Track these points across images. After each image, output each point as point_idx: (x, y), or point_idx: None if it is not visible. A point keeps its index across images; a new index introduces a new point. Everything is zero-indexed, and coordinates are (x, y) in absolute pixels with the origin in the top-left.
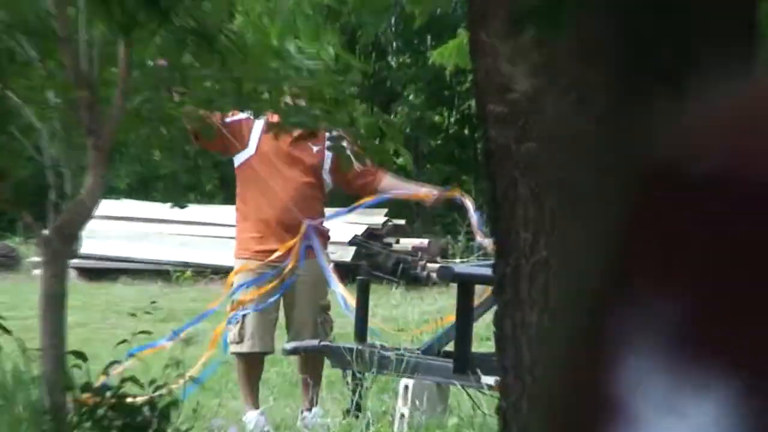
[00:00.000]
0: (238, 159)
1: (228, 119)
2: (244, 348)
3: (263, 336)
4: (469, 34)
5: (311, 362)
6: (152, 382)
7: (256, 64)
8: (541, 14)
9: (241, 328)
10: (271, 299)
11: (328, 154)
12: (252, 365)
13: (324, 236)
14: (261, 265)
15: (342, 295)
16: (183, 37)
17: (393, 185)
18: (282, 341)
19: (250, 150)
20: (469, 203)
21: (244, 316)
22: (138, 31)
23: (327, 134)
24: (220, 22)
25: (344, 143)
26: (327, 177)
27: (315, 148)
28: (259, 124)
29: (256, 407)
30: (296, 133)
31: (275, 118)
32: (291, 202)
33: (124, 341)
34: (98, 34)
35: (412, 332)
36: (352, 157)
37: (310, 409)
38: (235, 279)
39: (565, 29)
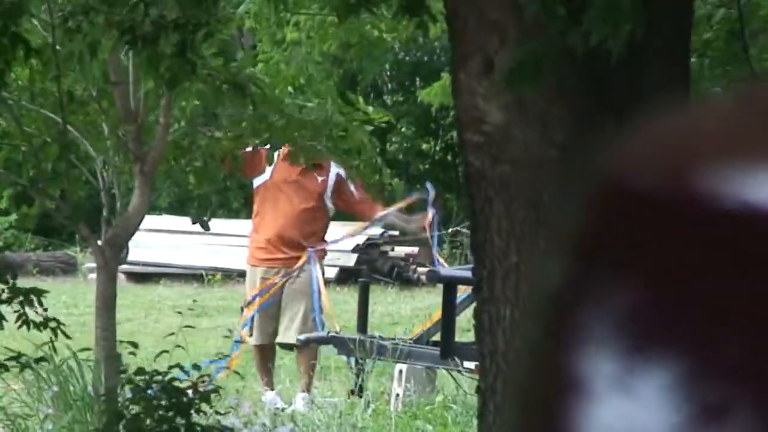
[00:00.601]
0: (256, 182)
1: (249, 149)
2: (255, 341)
3: (266, 330)
4: (451, 76)
5: (307, 354)
6: (196, 367)
7: (276, 104)
8: (522, 76)
9: (252, 326)
10: (271, 301)
11: (330, 183)
12: (263, 354)
13: (322, 252)
14: (266, 271)
15: (319, 312)
16: (219, 87)
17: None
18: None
19: (266, 176)
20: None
21: (252, 317)
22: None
23: (332, 166)
24: (251, 74)
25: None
26: (329, 202)
27: (320, 178)
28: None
29: (272, 388)
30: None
31: (289, 149)
32: (292, 223)
33: (171, 334)
34: (144, 78)
35: (421, 325)
36: (352, 188)
37: (307, 390)
38: (248, 292)
39: (540, 83)
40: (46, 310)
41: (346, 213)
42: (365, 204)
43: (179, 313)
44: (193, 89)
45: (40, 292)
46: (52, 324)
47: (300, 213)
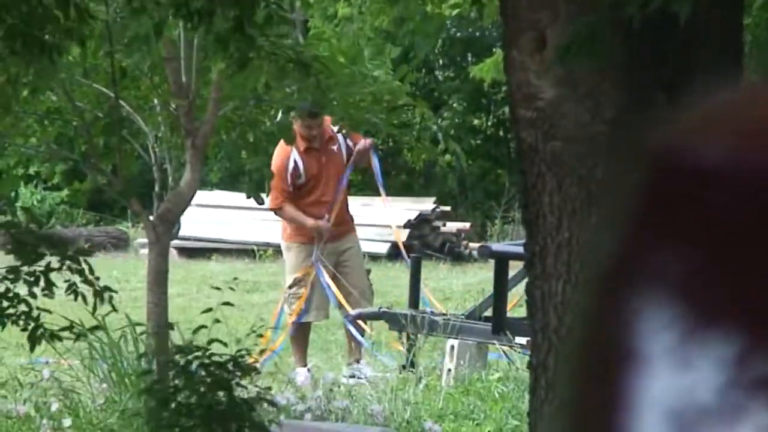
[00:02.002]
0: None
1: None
2: (311, 318)
3: (323, 307)
4: (503, 52)
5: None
6: (237, 341)
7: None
8: (575, 52)
9: (298, 303)
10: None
11: (343, 148)
12: (306, 332)
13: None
14: (311, 248)
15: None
16: (283, 65)
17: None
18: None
19: (302, 179)
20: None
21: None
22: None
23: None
24: (315, 52)
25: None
26: (348, 170)
27: (334, 147)
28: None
29: (304, 365)
30: (319, 146)
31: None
32: (330, 197)
33: (209, 309)
34: (196, 54)
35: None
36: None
37: (358, 361)
38: (293, 271)
39: (594, 59)
40: (98, 278)
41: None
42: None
43: (231, 289)
44: (264, 67)
45: (87, 253)
46: (106, 294)
47: (333, 186)
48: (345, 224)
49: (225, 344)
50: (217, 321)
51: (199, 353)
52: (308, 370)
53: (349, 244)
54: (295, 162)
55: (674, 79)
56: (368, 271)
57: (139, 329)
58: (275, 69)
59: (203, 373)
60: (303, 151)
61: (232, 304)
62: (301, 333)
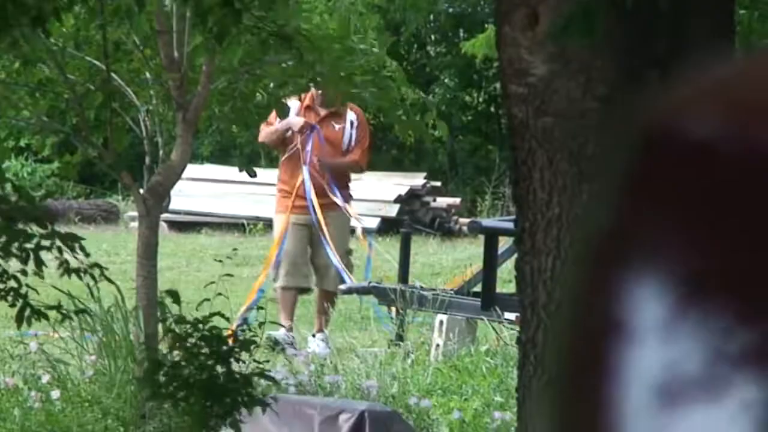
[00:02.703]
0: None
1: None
2: (287, 284)
3: (302, 273)
4: (495, 28)
5: (328, 297)
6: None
7: (322, 51)
8: (572, 31)
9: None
10: (300, 247)
11: (349, 132)
12: (292, 297)
13: (348, 197)
14: (296, 218)
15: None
16: (266, 39)
17: None
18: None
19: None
20: None
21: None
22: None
23: (348, 114)
24: (297, 25)
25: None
26: (350, 146)
27: (337, 126)
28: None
29: (289, 327)
30: (323, 113)
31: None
32: (317, 170)
33: (211, 283)
34: (192, 31)
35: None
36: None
37: (321, 331)
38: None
39: (590, 38)
40: (88, 255)
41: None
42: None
43: (220, 261)
44: (241, 41)
45: (77, 238)
46: (95, 271)
47: (325, 161)
48: (325, 199)
49: (227, 319)
50: (219, 294)
51: (199, 326)
52: (289, 330)
53: (327, 220)
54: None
55: (666, 55)
56: (350, 251)
57: (129, 304)
58: (257, 42)
59: (203, 345)
60: (304, 107)
61: (232, 275)
62: (283, 297)
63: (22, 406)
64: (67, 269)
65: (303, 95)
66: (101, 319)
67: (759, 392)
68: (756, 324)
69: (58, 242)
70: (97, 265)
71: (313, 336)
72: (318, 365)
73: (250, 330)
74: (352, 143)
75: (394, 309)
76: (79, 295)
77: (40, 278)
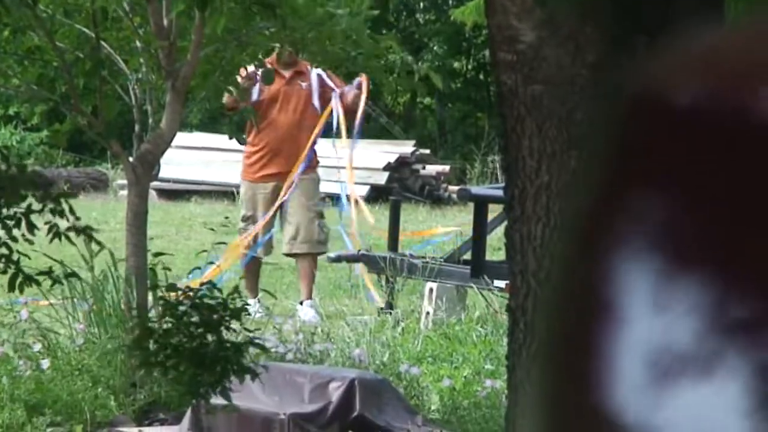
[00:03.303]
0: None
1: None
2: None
3: (268, 243)
4: None
5: (310, 263)
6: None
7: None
8: None
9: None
10: (269, 214)
11: (315, 87)
12: (257, 267)
13: (316, 162)
14: (264, 186)
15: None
16: (248, 6)
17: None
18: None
19: (254, 96)
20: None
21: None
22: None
23: (314, 71)
24: None
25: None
26: (317, 104)
27: (304, 84)
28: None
29: (255, 296)
30: (288, 74)
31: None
32: (288, 134)
33: (204, 251)
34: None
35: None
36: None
37: (309, 298)
38: (246, 207)
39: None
40: (78, 219)
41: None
42: (348, 93)
43: (212, 230)
44: (224, 9)
45: (69, 195)
46: (86, 232)
47: (294, 123)
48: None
49: (219, 290)
50: (211, 263)
51: (190, 293)
52: (258, 301)
53: (300, 186)
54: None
55: (655, 23)
56: (321, 215)
57: (120, 271)
58: (240, 11)
59: (193, 313)
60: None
61: (225, 243)
62: (251, 267)
63: (11, 375)
64: (57, 233)
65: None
66: (92, 286)
67: (750, 365)
68: (746, 296)
69: (50, 206)
70: (88, 227)
71: (301, 303)
72: (308, 334)
73: (240, 297)
74: (313, 95)
75: (384, 277)
76: (70, 264)
77: (30, 244)
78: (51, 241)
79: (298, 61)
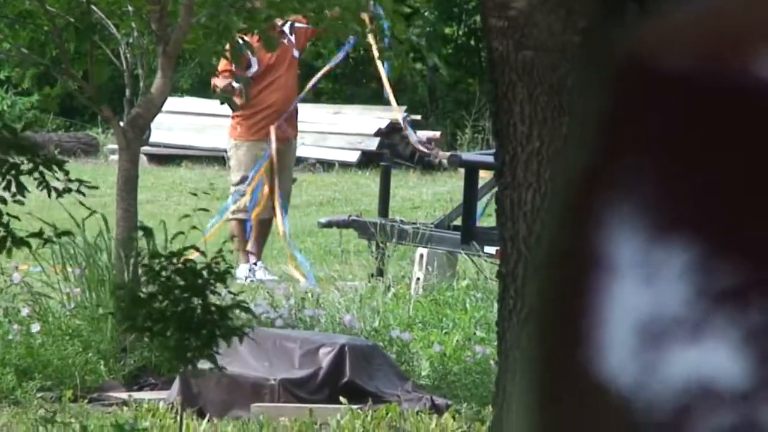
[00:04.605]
0: (251, 71)
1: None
2: (263, 215)
3: (270, 203)
4: None
5: (264, 227)
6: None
7: None
8: None
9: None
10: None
11: (291, 38)
12: (267, 227)
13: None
14: (264, 144)
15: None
16: None
17: None
18: (317, 217)
19: (254, 67)
20: None
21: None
22: None
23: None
24: None
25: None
26: (296, 55)
27: (286, 40)
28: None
29: (247, 261)
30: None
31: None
32: (290, 95)
33: (186, 216)
34: None
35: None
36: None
37: (257, 261)
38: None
39: None
40: (67, 173)
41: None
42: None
43: (194, 195)
44: None
45: (59, 162)
46: (78, 188)
47: (293, 85)
48: (293, 128)
49: (204, 254)
50: (194, 227)
51: (174, 259)
52: (253, 265)
53: (291, 147)
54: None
55: None
56: (294, 180)
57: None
58: None
59: (178, 278)
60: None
61: (207, 210)
62: (241, 229)
63: (2, 339)
64: (49, 188)
65: None
66: (84, 250)
67: (739, 331)
68: (735, 262)
69: (40, 168)
70: (80, 181)
71: (255, 264)
72: (298, 299)
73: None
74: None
75: (374, 243)
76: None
77: (20, 205)
78: (48, 195)
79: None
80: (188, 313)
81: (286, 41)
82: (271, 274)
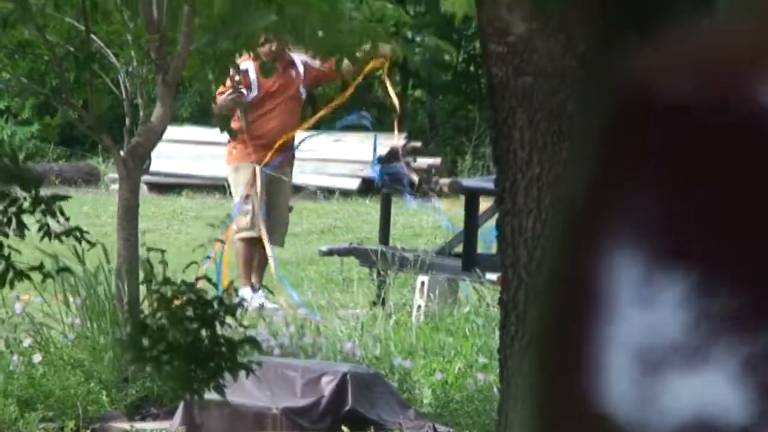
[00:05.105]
0: (251, 95)
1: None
2: (255, 233)
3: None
4: None
5: (261, 254)
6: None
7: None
8: None
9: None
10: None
11: (302, 73)
12: (257, 248)
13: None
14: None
15: None
16: None
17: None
18: (318, 245)
19: (254, 92)
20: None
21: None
22: None
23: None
24: None
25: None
26: (303, 92)
27: (293, 72)
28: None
29: (250, 283)
30: (281, 66)
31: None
32: (288, 123)
33: (200, 246)
34: None
35: None
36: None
37: (258, 289)
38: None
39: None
40: (68, 219)
41: (323, 82)
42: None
43: (212, 226)
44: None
45: (62, 198)
46: (75, 234)
47: (292, 116)
48: (287, 159)
49: (215, 285)
50: (208, 257)
51: (184, 288)
52: (255, 289)
53: (285, 177)
54: (247, 71)
55: (647, 16)
56: (290, 208)
57: (112, 265)
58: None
59: (188, 308)
60: (260, 66)
61: (223, 242)
62: (248, 250)
63: (4, 370)
64: (48, 233)
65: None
66: (85, 281)
67: (738, 358)
68: (734, 288)
69: (41, 208)
70: (78, 228)
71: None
72: (299, 327)
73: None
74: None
75: (375, 271)
76: (62, 258)
77: (21, 239)
78: (41, 239)
79: (284, 52)
80: (196, 344)
81: (293, 73)
82: (272, 302)
